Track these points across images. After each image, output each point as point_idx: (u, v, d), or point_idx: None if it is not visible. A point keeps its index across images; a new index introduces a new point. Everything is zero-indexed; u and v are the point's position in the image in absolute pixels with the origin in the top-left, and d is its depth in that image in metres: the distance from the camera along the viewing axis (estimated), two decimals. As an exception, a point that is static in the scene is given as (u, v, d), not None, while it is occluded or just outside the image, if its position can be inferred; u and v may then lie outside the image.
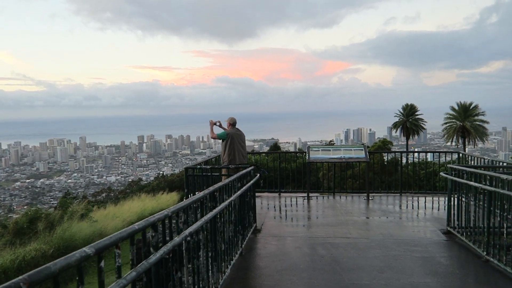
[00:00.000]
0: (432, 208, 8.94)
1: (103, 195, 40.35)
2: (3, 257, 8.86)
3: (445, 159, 17.75)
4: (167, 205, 16.86)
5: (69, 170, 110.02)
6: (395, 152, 14.08)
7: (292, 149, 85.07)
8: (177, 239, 2.48)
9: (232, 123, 8.76)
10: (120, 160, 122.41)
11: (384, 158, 24.85)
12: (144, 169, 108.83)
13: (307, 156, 10.49)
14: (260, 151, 40.72)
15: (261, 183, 7.69)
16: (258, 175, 6.88)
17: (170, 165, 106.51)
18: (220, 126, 8.93)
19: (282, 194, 10.98)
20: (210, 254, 3.76)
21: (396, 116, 52.71)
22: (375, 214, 8.34)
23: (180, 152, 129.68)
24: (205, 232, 3.52)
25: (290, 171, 13.82)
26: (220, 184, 4.25)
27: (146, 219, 2.23)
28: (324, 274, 4.78)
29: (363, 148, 10.71)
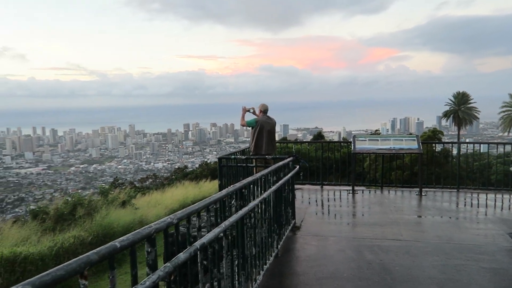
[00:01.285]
0: (495, 207, 7.89)
1: (149, 181, 41.38)
2: (42, 244, 8.88)
3: (503, 151, 16.15)
4: (209, 193, 16.63)
5: (119, 156, 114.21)
6: (452, 143, 12.89)
7: (336, 138, 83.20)
8: (182, 255, 1.92)
9: (263, 110, 8.28)
10: (167, 148, 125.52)
11: (434, 148, 23.32)
12: (190, 156, 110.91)
13: (352, 146, 9.69)
14: (304, 140, 39.83)
15: (301, 175, 7.11)
16: (297, 167, 6.25)
17: (215, 152, 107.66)
18: (254, 113, 8.53)
19: (324, 186, 10.25)
20: (236, 261, 3.21)
21: (447, 104, 49.65)
22: (429, 212, 7.45)
23: (224, 140, 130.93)
24: (229, 238, 2.96)
25: (334, 161, 13.01)
26: (250, 179, 3.67)
27: (137, 231, 1.68)
28: (372, 286, 4.09)
29: (415, 138, 9.73)
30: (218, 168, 6.74)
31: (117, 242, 1.50)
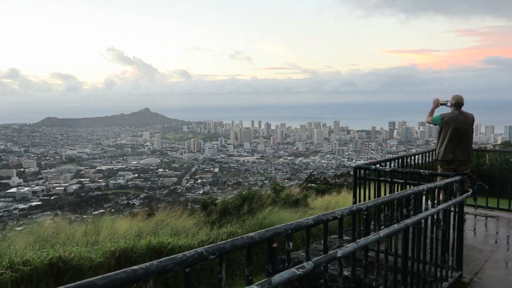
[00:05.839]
0: None
1: (342, 178, 40.71)
2: (194, 237, 8.86)
3: None
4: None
5: (323, 151, 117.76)
6: None
7: None
8: None
9: (454, 104, 6.35)
10: (369, 145, 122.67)
11: None
12: (393, 155, 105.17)
13: None
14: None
15: (476, 202, 4.84)
16: (471, 191, 4.13)
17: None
18: (451, 107, 6.63)
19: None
20: None
21: None
22: None
23: (434, 141, 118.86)
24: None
25: None
26: (331, 214, 2.18)
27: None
28: None
29: None
30: (353, 180, 5.17)
31: None
